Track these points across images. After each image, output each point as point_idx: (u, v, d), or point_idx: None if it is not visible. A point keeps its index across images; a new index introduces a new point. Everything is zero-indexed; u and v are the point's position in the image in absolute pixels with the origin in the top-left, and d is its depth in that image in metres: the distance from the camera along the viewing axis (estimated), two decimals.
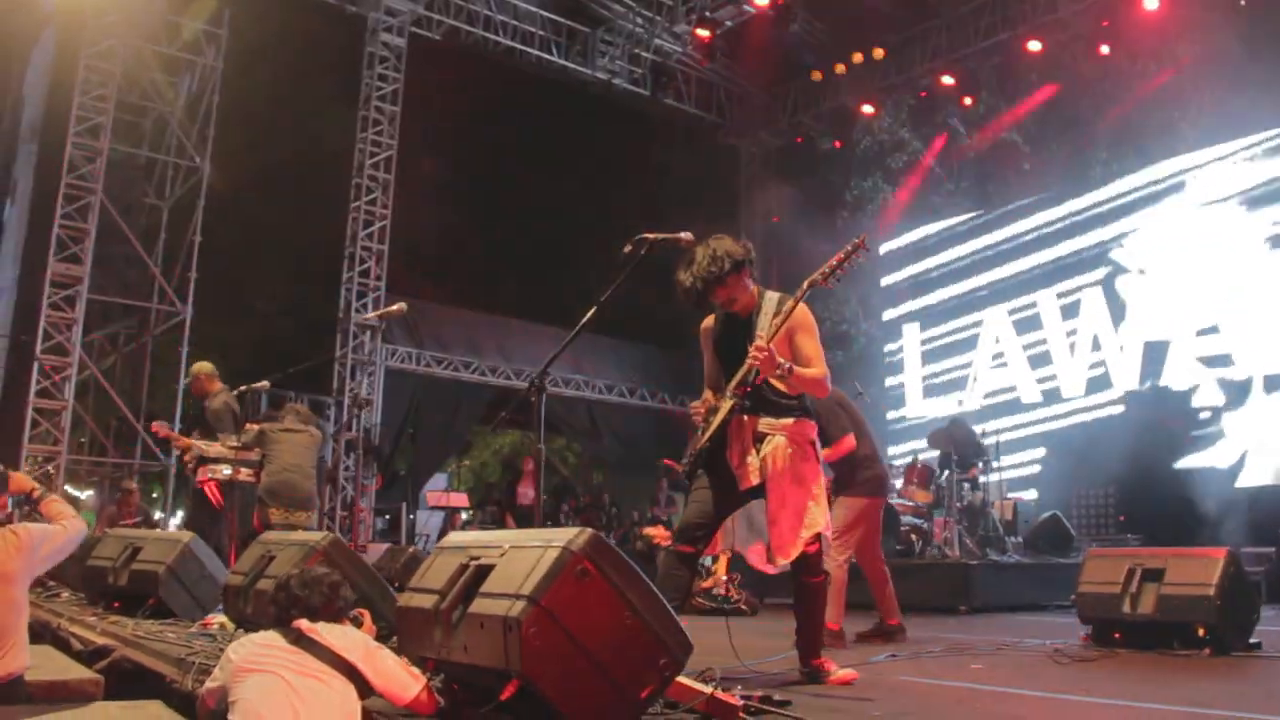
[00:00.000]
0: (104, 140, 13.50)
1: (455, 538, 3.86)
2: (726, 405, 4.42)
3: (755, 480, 4.37)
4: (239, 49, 14.79)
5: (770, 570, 4.58)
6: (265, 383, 8.62)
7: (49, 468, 13.34)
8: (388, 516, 15.66)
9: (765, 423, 4.40)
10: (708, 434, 4.47)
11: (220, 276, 16.72)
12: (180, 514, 23.73)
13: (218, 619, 5.95)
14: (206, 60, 14.73)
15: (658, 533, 13.01)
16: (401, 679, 3.36)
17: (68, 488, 17.40)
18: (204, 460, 8.95)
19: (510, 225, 17.09)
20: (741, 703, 3.42)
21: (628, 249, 4.23)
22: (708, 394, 4.64)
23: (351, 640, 3.37)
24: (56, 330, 13.18)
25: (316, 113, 16.02)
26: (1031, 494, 12.71)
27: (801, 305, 4.40)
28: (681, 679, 3.48)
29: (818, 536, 4.36)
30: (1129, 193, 13.81)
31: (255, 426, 8.47)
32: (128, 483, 13.43)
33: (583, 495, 18.23)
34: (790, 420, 4.40)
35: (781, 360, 4.22)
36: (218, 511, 8.29)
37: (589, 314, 4.27)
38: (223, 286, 17.38)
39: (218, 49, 14.70)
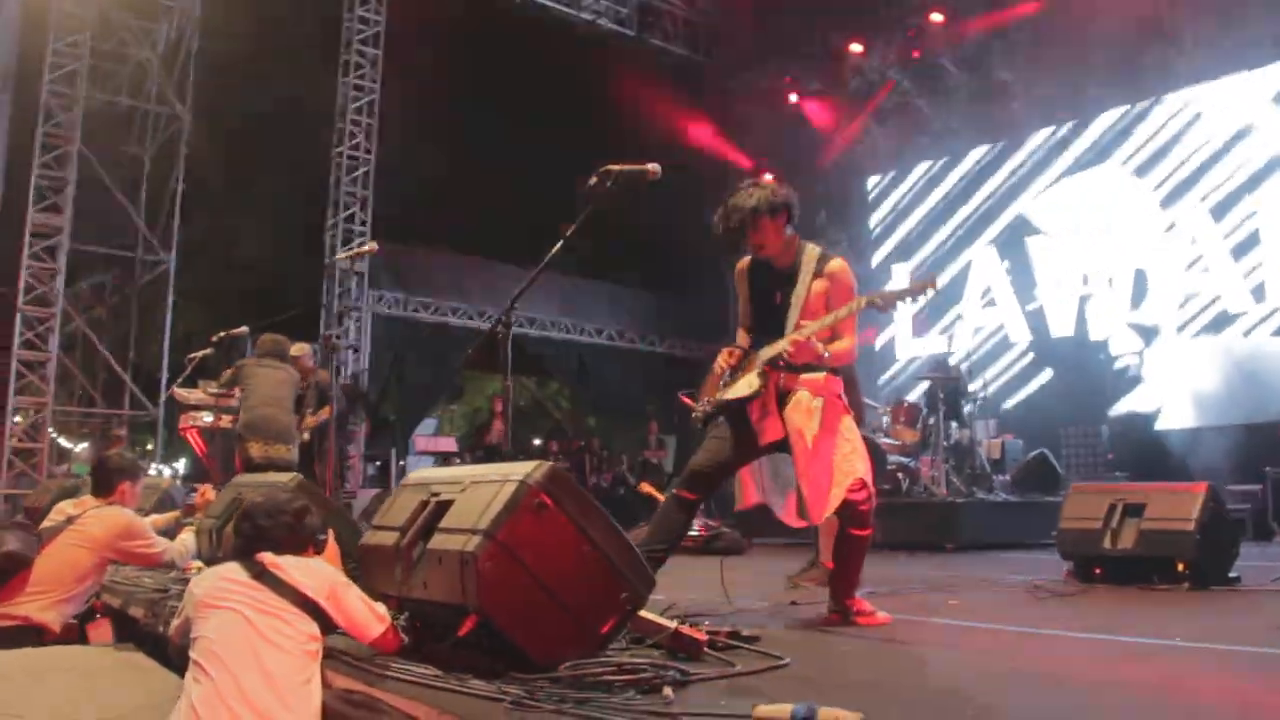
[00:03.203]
0: (79, 88, 13.29)
1: (419, 474, 3.82)
2: (755, 383, 4.29)
3: (777, 436, 4.25)
4: None
5: (800, 524, 4.43)
6: (244, 328, 8.55)
7: (36, 419, 13.29)
8: (378, 463, 15.64)
9: (790, 379, 4.28)
10: (729, 395, 4.37)
11: (206, 225, 16.58)
12: (179, 465, 23.81)
13: (197, 564, 5.93)
14: (184, 4, 14.48)
15: (653, 490, 12.88)
16: (365, 618, 3.32)
17: (61, 440, 17.40)
18: (184, 408, 8.94)
19: (497, 168, 16.88)
20: (706, 637, 3.40)
21: (592, 181, 4.15)
22: (741, 337, 4.53)
23: (317, 577, 3.30)
24: (39, 281, 13.06)
25: (298, 57, 15.74)
26: (1008, 436, 12.61)
27: (843, 267, 4.31)
28: (649, 614, 3.46)
29: (863, 484, 4.15)
30: (1117, 124, 13.72)
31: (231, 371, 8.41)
32: (116, 430, 13.42)
33: (573, 439, 18.24)
34: (815, 375, 4.26)
35: (818, 346, 4.13)
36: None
37: (554, 249, 4.19)
38: (210, 235, 17.23)
39: None
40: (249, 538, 3.37)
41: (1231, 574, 5.74)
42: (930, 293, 4.21)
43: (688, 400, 4.61)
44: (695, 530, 9.74)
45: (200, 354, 9.07)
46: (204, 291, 18.11)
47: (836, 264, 4.32)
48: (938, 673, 3.22)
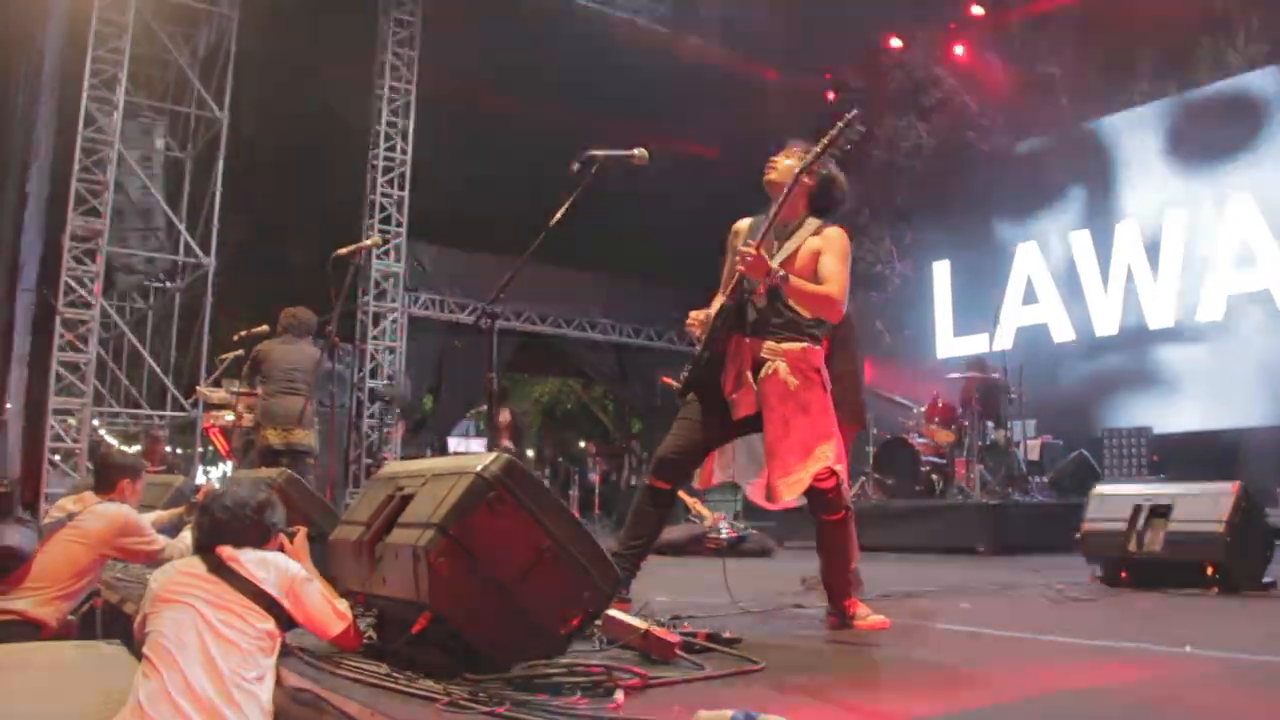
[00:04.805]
0: (119, 93, 13.43)
1: (389, 468, 3.73)
2: (716, 305, 4.15)
3: (750, 410, 4.05)
4: None
5: (770, 507, 4.26)
6: (264, 326, 8.58)
7: (77, 419, 13.45)
8: None
9: (767, 347, 4.06)
10: (702, 343, 4.21)
11: (253, 229, 16.68)
12: (223, 468, 24.01)
13: None
14: (222, 9, 14.61)
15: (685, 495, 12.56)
16: (325, 615, 3.24)
17: (112, 441, 17.61)
18: (208, 407, 8.97)
19: (535, 169, 16.82)
20: (679, 639, 3.26)
21: (575, 167, 4.03)
22: (715, 303, 4.31)
23: (275, 572, 3.22)
24: (79, 284, 13.21)
25: (335, 60, 15.83)
26: (1048, 437, 12.20)
27: (841, 233, 4.14)
28: (620, 615, 3.33)
29: (832, 472, 3.97)
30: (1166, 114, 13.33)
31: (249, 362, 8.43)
32: (156, 430, 13.52)
33: (614, 442, 18.14)
34: (793, 345, 4.06)
35: (774, 267, 3.90)
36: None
37: (538, 240, 4.08)
38: (258, 240, 17.34)
39: None
40: (207, 531, 3.31)
41: (1266, 579, 5.50)
42: (857, 125, 4.01)
43: (668, 381, 4.45)
44: (724, 532, 9.60)
45: (230, 355, 9.12)
46: (250, 295, 18.26)
47: (834, 230, 4.16)
48: (913, 680, 3.06)
